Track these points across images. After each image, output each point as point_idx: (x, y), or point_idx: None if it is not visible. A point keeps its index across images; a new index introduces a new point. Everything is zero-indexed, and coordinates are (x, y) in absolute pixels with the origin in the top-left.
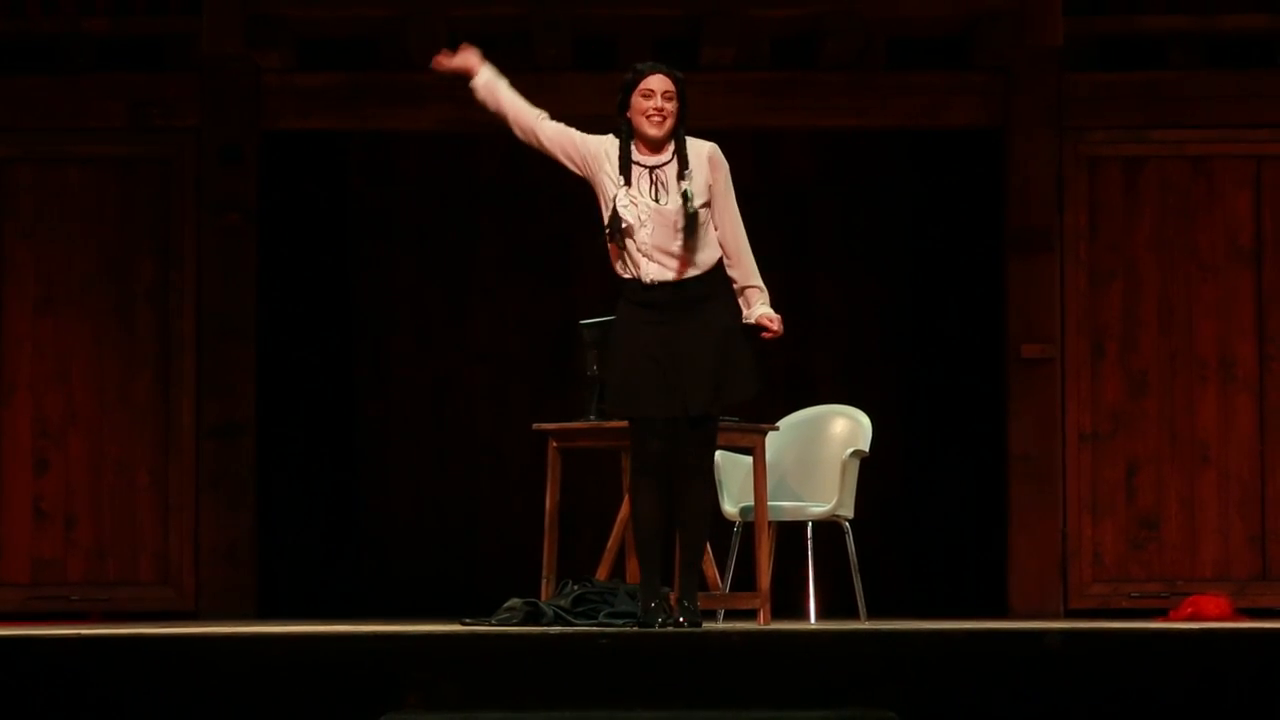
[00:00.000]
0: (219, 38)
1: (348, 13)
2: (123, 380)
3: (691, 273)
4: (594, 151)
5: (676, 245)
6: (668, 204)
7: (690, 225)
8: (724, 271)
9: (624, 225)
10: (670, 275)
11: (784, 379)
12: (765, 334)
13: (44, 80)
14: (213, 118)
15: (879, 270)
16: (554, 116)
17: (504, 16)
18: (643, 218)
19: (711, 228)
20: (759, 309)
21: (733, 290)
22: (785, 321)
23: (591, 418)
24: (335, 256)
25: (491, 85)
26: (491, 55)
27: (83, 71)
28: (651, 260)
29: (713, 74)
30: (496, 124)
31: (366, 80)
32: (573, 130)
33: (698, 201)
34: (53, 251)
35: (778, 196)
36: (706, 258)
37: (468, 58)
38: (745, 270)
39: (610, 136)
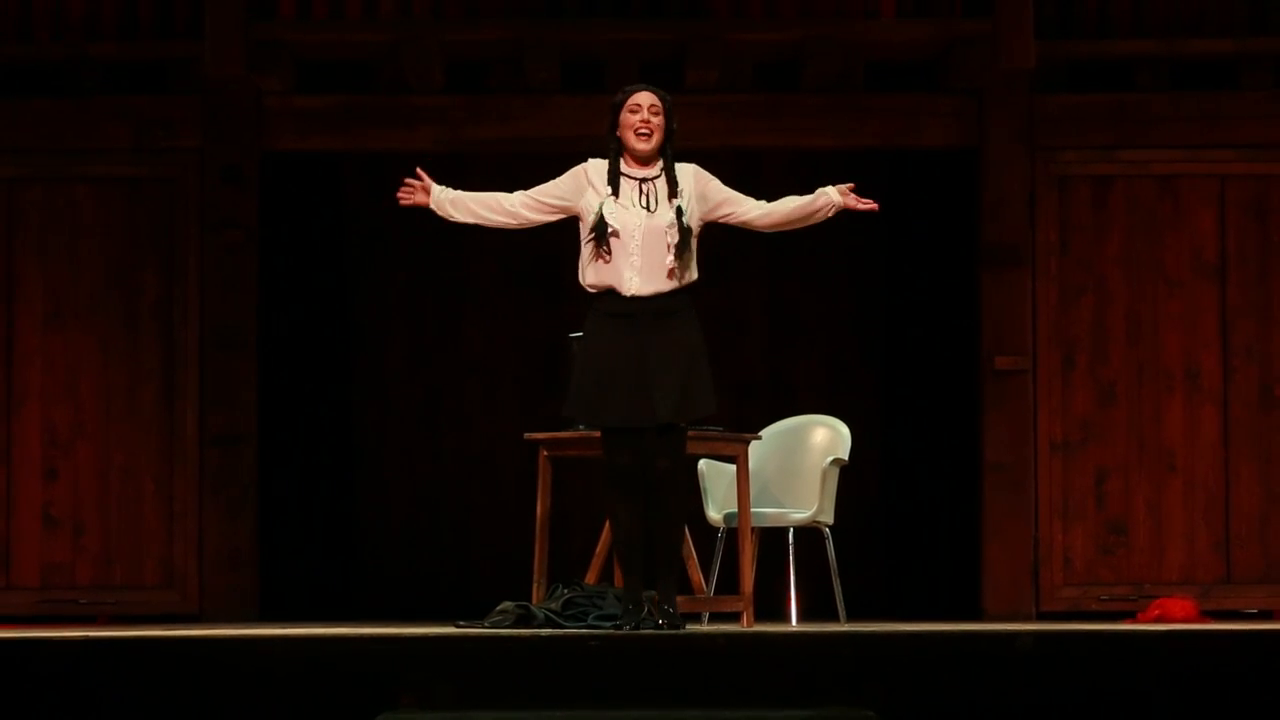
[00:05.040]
0: (221, 62)
1: (345, 38)
2: (129, 391)
3: (670, 287)
4: (569, 184)
5: (665, 259)
6: (658, 215)
7: (684, 242)
8: (692, 290)
9: (610, 229)
10: (651, 288)
11: (766, 390)
12: (857, 202)
13: (52, 103)
14: (215, 139)
15: (858, 285)
16: (543, 137)
17: (495, 40)
18: (631, 227)
19: (695, 248)
20: (831, 191)
21: (694, 309)
22: (767, 334)
23: (581, 427)
24: (333, 272)
25: (453, 202)
26: (483, 78)
27: (90, 94)
28: (636, 272)
29: (697, 96)
30: (487, 147)
31: (363, 103)
32: (543, 185)
33: (689, 220)
34: (61, 268)
35: None
36: (688, 276)
37: (417, 194)
38: (789, 200)
39: (589, 162)
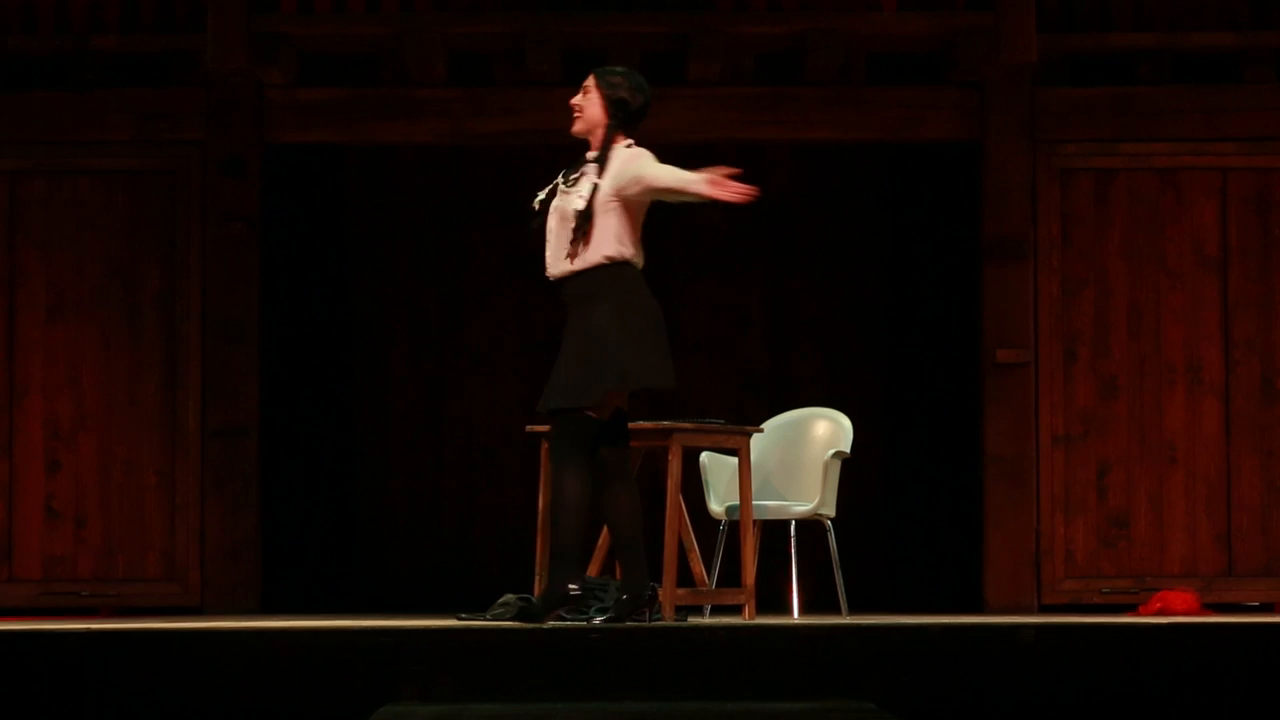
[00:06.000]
0: (223, 54)
1: (347, 30)
2: (131, 384)
3: (574, 268)
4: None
5: (566, 239)
6: (570, 197)
7: (581, 221)
8: (612, 272)
9: (534, 220)
10: (558, 269)
11: (768, 383)
12: (724, 193)
13: (55, 95)
14: (217, 131)
15: (860, 278)
16: (545, 130)
17: (498, 33)
18: (550, 210)
19: (607, 228)
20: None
21: (621, 291)
22: (768, 327)
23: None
24: (335, 264)
25: None
26: (486, 71)
27: (92, 87)
28: (551, 253)
29: (699, 89)
30: (489, 139)
31: (365, 95)
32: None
33: (588, 198)
34: (63, 260)
35: (761, 207)
36: (590, 257)
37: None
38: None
39: None
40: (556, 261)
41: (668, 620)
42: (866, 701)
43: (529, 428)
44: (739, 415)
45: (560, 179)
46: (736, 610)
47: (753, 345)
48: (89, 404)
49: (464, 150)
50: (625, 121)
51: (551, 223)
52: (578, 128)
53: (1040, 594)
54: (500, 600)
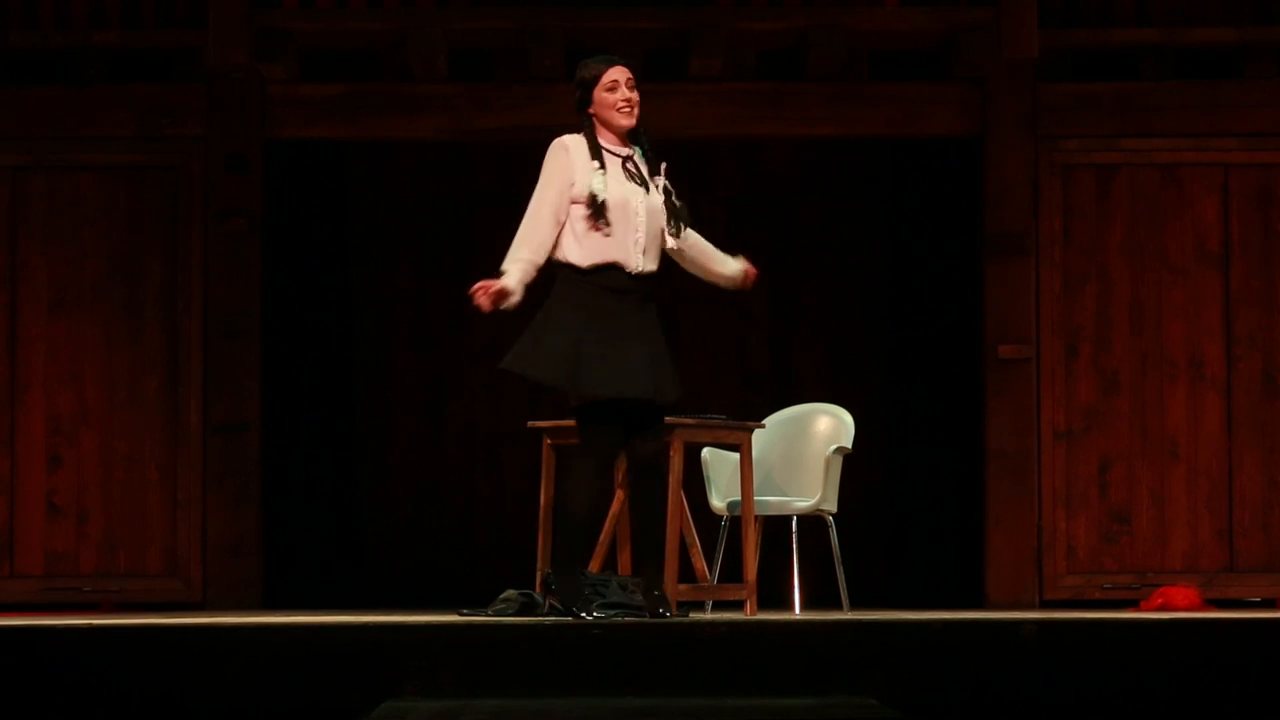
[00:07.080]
0: (225, 50)
1: (349, 26)
2: (132, 379)
3: (656, 268)
4: (564, 172)
5: (659, 240)
6: (654, 194)
7: (679, 219)
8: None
9: (607, 204)
10: (652, 267)
11: (769, 378)
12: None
13: (56, 91)
14: (219, 127)
15: (861, 274)
16: (546, 126)
17: (499, 29)
18: (635, 204)
19: None
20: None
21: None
22: (770, 323)
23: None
24: (337, 260)
25: (520, 281)
26: (487, 66)
27: (94, 83)
28: (644, 251)
29: (701, 85)
30: (490, 135)
31: (367, 91)
32: (547, 194)
33: (674, 194)
34: (65, 256)
35: (763, 202)
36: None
37: (502, 292)
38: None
39: (564, 140)
40: (650, 259)
41: (670, 616)
42: (868, 697)
43: (531, 424)
44: (740, 411)
45: (602, 168)
46: (738, 606)
47: (754, 341)
48: (90, 399)
49: (466, 146)
50: None
51: (636, 219)
52: (635, 120)
53: (1042, 590)
54: (502, 596)
